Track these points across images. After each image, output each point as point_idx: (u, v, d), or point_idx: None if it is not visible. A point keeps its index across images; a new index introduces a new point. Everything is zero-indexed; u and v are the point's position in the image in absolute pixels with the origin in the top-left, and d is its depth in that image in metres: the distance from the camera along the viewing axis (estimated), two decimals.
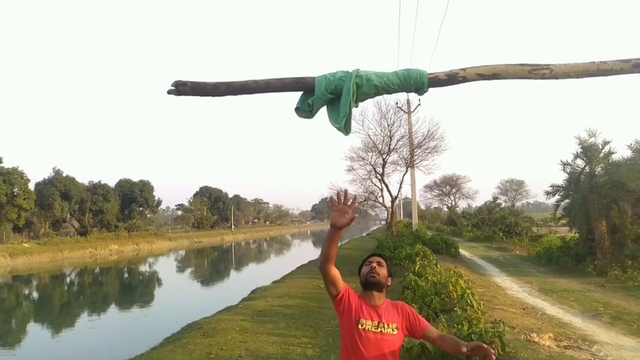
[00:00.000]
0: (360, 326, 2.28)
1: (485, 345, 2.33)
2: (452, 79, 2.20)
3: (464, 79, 2.19)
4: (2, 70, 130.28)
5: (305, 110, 2.24)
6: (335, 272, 2.35)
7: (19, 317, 19.68)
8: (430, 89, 2.26)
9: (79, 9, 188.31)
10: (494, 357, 2.24)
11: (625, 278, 13.55)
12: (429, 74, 2.20)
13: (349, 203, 2.21)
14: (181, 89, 2.18)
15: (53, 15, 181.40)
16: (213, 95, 2.21)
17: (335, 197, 2.24)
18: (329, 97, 2.18)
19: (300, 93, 2.28)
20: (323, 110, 2.29)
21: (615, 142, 17.31)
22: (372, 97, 2.22)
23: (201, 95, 2.20)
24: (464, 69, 2.19)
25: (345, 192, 2.27)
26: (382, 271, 2.47)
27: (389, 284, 2.52)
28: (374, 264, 2.48)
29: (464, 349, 2.28)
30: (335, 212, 2.19)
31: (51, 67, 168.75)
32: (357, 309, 2.33)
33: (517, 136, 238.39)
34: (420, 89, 2.20)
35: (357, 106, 2.19)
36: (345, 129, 2.17)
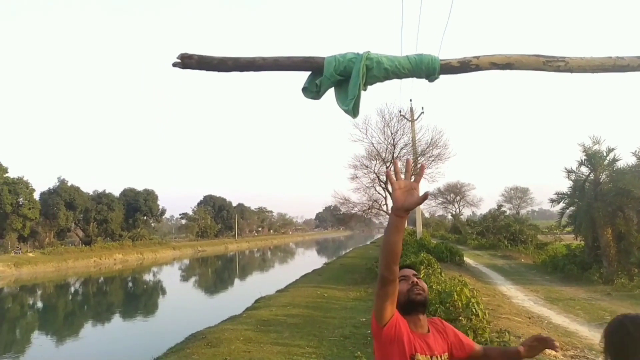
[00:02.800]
0: None
1: (543, 336, 2.07)
2: (464, 66, 2.11)
3: (477, 67, 2.10)
4: (7, 79, 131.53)
5: (313, 91, 2.16)
6: (398, 282, 1.85)
7: (23, 327, 19.68)
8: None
9: (82, 15, 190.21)
10: (557, 344, 2.01)
11: (632, 286, 13.46)
12: (441, 60, 2.12)
13: (413, 175, 1.78)
14: (187, 62, 2.07)
15: (55, 21, 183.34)
16: (219, 70, 2.10)
17: (392, 171, 1.75)
18: (337, 78, 2.10)
19: (308, 73, 2.20)
20: (330, 93, 2.20)
21: (619, 149, 17.26)
22: (381, 80, 2.13)
23: (207, 70, 2.11)
24: (477, 57, 2.11)
25: (408, 162, 1.87)
26: (425, 285, 2.06)
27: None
28: (414, 278, 2.04)
29: (521, 349, 2.05)
30: (398, 189, 1.70)
31: (56, 77, 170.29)
32: (410, 340, 1.91)
33: (521, 143, 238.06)
34: (431, 75, 2.12)
35: (365, 89, 2.10)
36: (354, 111, 2.07)
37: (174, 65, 2.11)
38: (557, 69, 2.11)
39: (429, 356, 1.92)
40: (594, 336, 8.28)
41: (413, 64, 2.11)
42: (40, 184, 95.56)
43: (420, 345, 1.92)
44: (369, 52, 2.13)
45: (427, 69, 2.11)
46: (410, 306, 1.99)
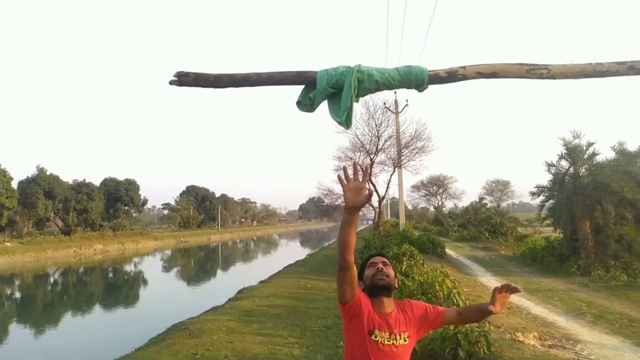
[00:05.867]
0: (373, 337, 2.09)
1: (503, 285, 2.27)
2: (452, 76, 2.22)
3: (464, 77, 2.21)
4: None
5: (307, 104, 2.25)
6: (355, 268, 2.08)
7: (0, 318, 19.34)
8: (430, 86, 2.27)
9: (65, 3, 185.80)
10: (518, 287, 2.27)
11: (608, 278, 13.76)
12: (429, 71, 2.22)
13: (361, 176, 1.95)
14: (183, 79, 2.15)
15: (37, 8, 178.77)
16: (215, 87, 2.19)
17: (342, 174, 1.96)
18: (330, 91, 2.19)
19: (301, 87, 2.30)
20: (323, 105, 2.30)
21: (599, 143, 17.51)
22: (373, 92, 2.24)
23: (203, 87, 2.19)
24: (463, 67, 2.22)
25: (354, 164, 2.03)
26: (390, 272, 2.25)
27: (397, 286, 2.30)
28: (380, 265, 2.25)
29: (492, 309, 2.22)
30: (348, 191, 1.91)
31: (34, 63, 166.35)
32: (370, 318, 2.12)
33: (503, 137, 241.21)
34: (420, 86, 2.22)
35: (357, 101, 2.20)
36: (347, 122, 2.19)
37: (171, 83, 2.17)
38: (540, 77, 2.23)
39: (387, 333, 2.12)
40: (572, 326, 8.47)
41: (402, 75, 2.21)
42: (18, 172, 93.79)
43: (379, 323, 2.13)
44: (359, 65, 2.22)
45: (416, 79, 2.22)
46: (374, 289, 2.21)
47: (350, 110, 2.17)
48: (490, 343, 5.57)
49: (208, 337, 8.38)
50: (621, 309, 9.88)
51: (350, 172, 1.97)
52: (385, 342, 2.10)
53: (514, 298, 11.29)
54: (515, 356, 5.53)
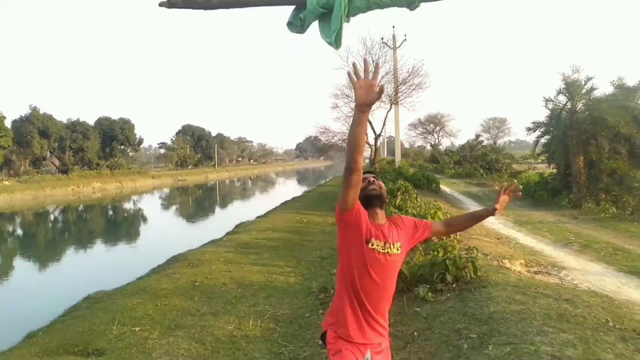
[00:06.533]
0: (370, 246, 2.19)
1: (506, 186, 2.52)
2: None
3: None
4: None
5: (297, 25, 2.24)
6: (362, 172, 2.10)
7: (5, 253, 19.82)
8: (422, 5, 2.20)
9: None
10: (520, 188, 2.49)
11: (598, 210, 14.07)
12: None
13: (372, 73, 1.92)
14: (173, 1, 2.15)
15: None
16: (205, 8, 2.19)
17: (352, 72, 1.90)
18: (321, 11, 2.16)
19: (292, 8, 2.27)
20: (314, 26, 2.27)
21: (598, 78, 17.33)
22: (364, 11, 2.19)
23: (193, 8, 2.19)
24: None
25: (365, 61, 1.98)
26: (381, 184, 2.37)
27: (387, 200, 2.38)
28: (371, 178, 2.34)
29: (497, 206, 2.46)
30: (359, 89, 1.88)
31: (26, 2, 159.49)
32: (367, 227, 2.20)
33: (501, 74, 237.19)
34: (411, 4, 2.17)
35: (348, 21, 2.17)
36: (336, 43, 2.15)
37: (161, 5, 2.15)
38: None
39: (382, 242, 2.23)
40: (558, 255, 8.77)
41: None
42: (11, 112, 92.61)
43: (375, 233, 2.23)
44: None
45: None
46: (367, 200, 2.28)
47: (340, 31, 2.12)
48: (477, 268, 5.79)
49: (207, 267, 8.66)
50: (607, 239, 10.18)
51: (360, 69, 1.90)
52: (381, 251, 2.21)
53: (504, 230, 11.61)
54: (501, 280, 5.75)
